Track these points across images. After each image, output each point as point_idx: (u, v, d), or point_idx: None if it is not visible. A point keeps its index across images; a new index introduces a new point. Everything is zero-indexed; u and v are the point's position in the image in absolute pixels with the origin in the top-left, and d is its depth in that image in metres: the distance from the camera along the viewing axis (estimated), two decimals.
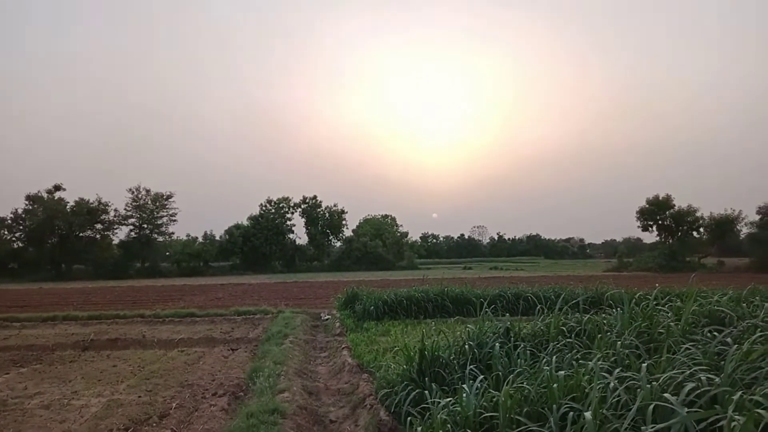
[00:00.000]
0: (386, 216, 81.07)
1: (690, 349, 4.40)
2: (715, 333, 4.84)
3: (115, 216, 58.30)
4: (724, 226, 53.83)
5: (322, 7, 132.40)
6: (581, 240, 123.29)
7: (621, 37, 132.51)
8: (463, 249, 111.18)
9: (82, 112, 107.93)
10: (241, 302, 19.24)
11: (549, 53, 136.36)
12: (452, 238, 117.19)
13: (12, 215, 53.95)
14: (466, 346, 5.87)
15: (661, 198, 55.69)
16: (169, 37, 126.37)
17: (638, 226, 58.14)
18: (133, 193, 59.17)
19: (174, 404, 6.47)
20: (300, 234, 70.09)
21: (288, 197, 69.84)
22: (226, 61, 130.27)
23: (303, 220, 70.41)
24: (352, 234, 71.72)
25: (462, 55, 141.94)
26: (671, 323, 5.17)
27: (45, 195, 55.20)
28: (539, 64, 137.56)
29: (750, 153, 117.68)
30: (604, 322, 5.90)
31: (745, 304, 6.04)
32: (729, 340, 4.46)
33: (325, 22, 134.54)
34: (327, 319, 14.42)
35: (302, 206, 70.39)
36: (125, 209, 58.98)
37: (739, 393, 3.27)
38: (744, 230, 54.58)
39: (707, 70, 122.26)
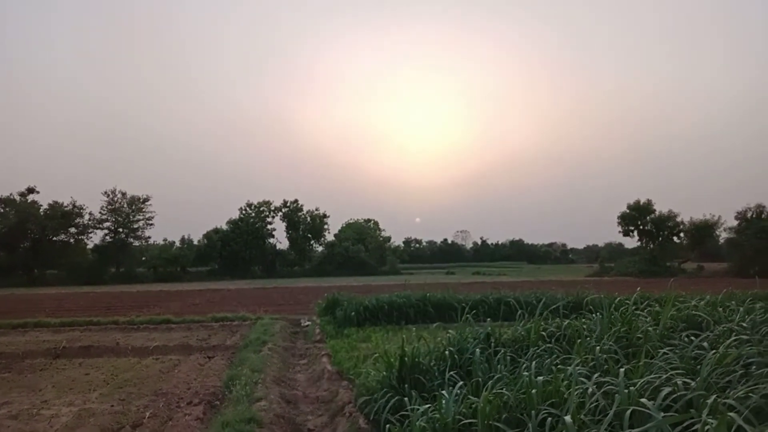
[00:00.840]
0: (369, 220, 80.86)
1: (667, 353, 4.44)
2: (693, 337, 4.90)
3: (89, 220, 57.17)
4: (704, 231, 54.86)
5: (306, 12, 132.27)
6: (563, 245, 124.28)
7: (605, 43, 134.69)
8: (447, 254, 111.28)
9: (56, 113, 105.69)
10: (219, 308, 18.94)
11: (532, 59, 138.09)
12: (435, 242, 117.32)
13: None
14: (447, 352, 5.83)
15: (642, 203, 56.66)
16: (149, 38, 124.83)
17: (619, 231, 59.35)
18: (108, 196, 58.09)
19: (147, 413, 6.30)
20: (281, 238, 69.67)
21: (269, 201, 69.38)
22: (207, 64, 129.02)
23: (284, 224, 69.87)
24: (334, 239, 71.37)
25: (446, 61, 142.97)
26: (649, 328, 5.21)
27: (17, 198, 53.89)
28: (520, 71, 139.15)
29: (729, 158, 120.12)
30: (584, 326, 5.93)
31: (721, 309, 6.13)
32: (705, 344, 4.52)
33: (308, 27, 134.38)
34: (307, 326, 14.28)
35: (283, 210, 69.89)
36: (100, 213, 57.86)
37: (714, 397, 3.31)
38: (723, 235, 55.83)
39: (690, 77, 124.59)
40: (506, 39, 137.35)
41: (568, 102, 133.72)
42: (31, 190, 54.91)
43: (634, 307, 5.87)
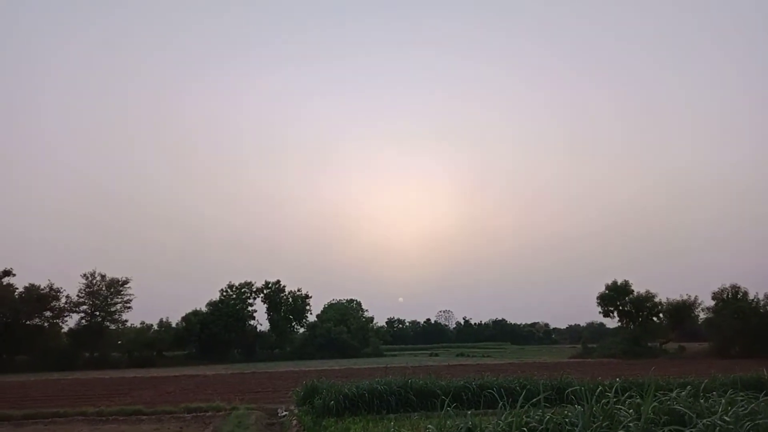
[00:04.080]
0: (351, 300, 79.92)
1: None
2: None
3: (66, 303, 55.58)
4: (682, 311, 55.32)
5: (286, 86, 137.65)
6: (546, 325, 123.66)
7: (574, 128, 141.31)
8: (430, 334, 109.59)
9: (36, 195, 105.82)
10: (194, 397, 18.10)
11: (512, 138, 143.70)
12: (418, 322, 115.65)
13: None
14: None
15: (619, 283, 57.45)
16: (136, 121, 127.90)
17: (600, 312, 59.55)
18: (87, 278, 56.91)
19: None
20: (262, 320, 68.12)
21: (250, 282, 68.48)
22: (187, 145, 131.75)
23: (265, 305, 68.60)
24: (316, 319, 70.03)
25: (428, 143, 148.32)
26: (630, 423, 5.09)
27: None
28: (498, 150, 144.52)
29: (701, 238, 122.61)
30: (566, 420, 5.76)
31: (703, 400, 6.04)
32: None
33: (297, 104, 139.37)
34: (284, 416, 13.65)
35: (265, 291, 68.90)
36: (78, 295, 56.40)
37: None
38: (701, 315, 56.11)
39: (661, 156, 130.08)
40: (487, 125, 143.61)
41: (543, 184, 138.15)
42: (6, 273, 53.56)
43: (615, 399, 5.75)
